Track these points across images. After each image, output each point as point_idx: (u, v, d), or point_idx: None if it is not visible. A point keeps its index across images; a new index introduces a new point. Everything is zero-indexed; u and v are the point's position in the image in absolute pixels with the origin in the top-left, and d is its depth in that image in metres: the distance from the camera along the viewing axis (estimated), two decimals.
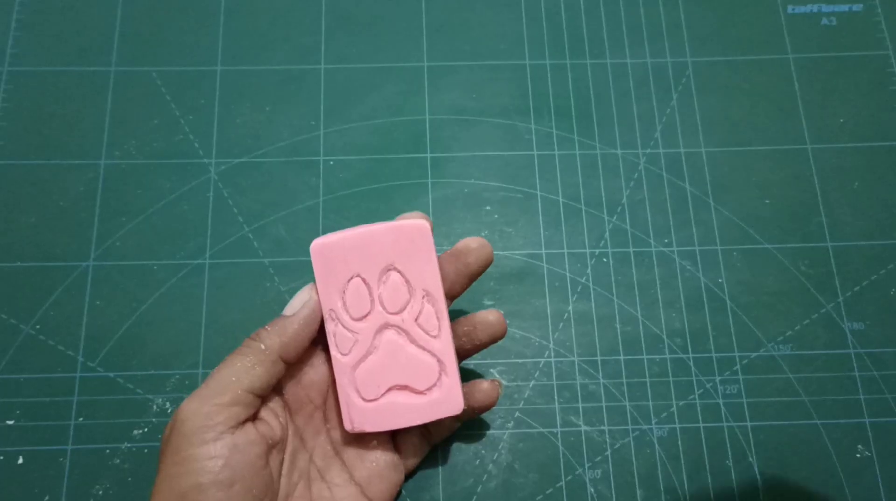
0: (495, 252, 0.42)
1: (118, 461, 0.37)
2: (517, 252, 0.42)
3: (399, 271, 0.33)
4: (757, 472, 0.38)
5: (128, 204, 0.42)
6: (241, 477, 0.29)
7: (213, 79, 0.45)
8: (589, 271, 0.41)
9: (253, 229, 0.42)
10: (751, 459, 0.38)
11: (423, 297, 0.33)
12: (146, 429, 0.38)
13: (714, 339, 0.40)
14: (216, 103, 0.44)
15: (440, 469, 0.37)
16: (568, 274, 0.41)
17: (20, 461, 0.37)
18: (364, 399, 0.33)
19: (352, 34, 0.46)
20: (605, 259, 0.42)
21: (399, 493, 0.36)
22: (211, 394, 0.30)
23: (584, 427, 0.38)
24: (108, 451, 0.37)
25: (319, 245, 0.33)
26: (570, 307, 0.41)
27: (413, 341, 0.33)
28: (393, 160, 0.43)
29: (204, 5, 0.47)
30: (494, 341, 0.35)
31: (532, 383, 0.39)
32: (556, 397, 0.39)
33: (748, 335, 0.40)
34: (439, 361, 0.33)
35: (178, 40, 0.46)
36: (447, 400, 0.33)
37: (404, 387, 0.33)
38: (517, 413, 0.38)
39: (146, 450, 0.37)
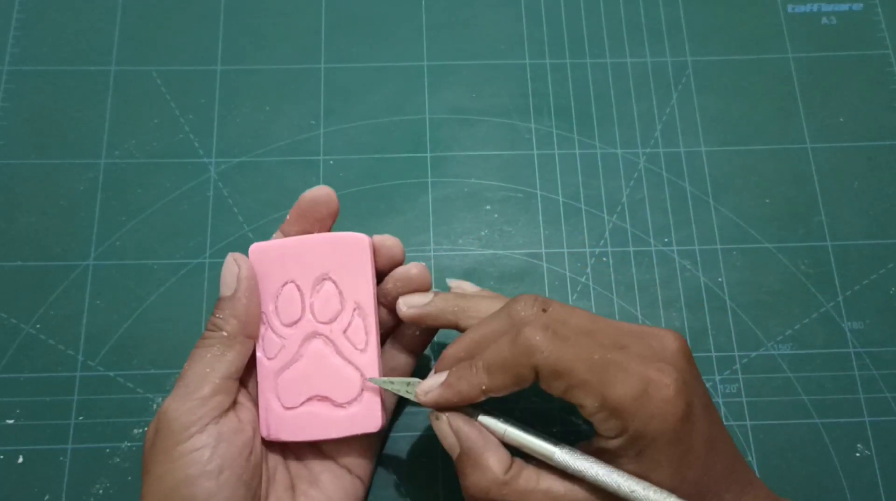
0: (496, 251, 0.42)
1: (118, 460, 0.37)
2: (517, 251, 0.42)
3: (333, 282, 0.33)
4: (756, 471, 0.37)
5: (128, 204, 0.42)
6: (230, 465, 0.29)
7: (213, 79, 0.45)
8: (589, 270, 0.41)
9: (253, 228, 0.42)
10: (750, 458, 0.38)
11: (355, 310, 0.33)
12: (146, 428, 0.37)
13: (713, 338, 0.40)
14: (216, 103, 0.44)
15: (440, 468, 0.37)
16: (568, 274, 0.41)
17: (20, 460, 0.37)
18: (283, 407, 0.33)
19: (352, 34, 0.46)
20: (604, 259, 0.42)
21: (381, 451, 0.36)
22: (190, 391, 0.30)
23: (583, 426, 0.38)
24: (108, 450, 0.37)
25: (258, 249, 0.33)
26: None
27: (339, 352, 0.33)
28: (393, 160, 0.43)
29: (204, 5, 0.47)
30: None
31: None
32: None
33: (748, 335, 0.40)
34: (363, 376, 0.33)
35: (178, 40, 0.46)
36: (365, 417, 0.32)
37: (325, 398, 0.33)
38: (516, 412, 0.38)
39: None
